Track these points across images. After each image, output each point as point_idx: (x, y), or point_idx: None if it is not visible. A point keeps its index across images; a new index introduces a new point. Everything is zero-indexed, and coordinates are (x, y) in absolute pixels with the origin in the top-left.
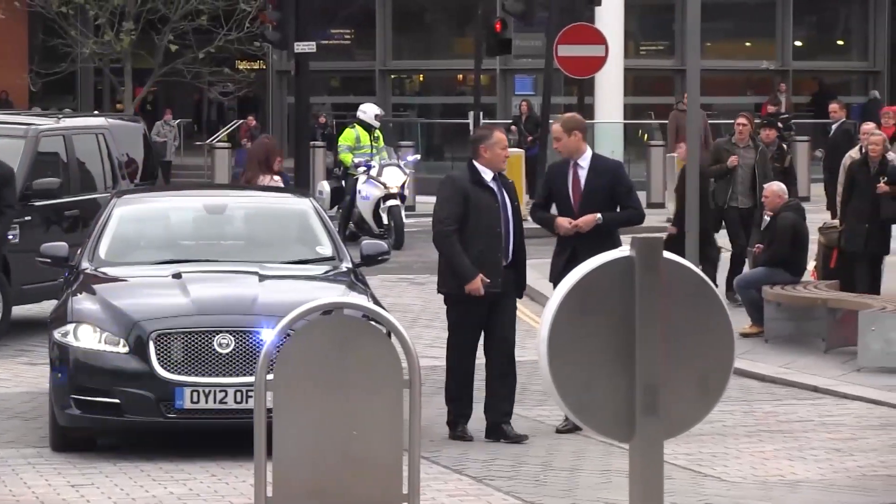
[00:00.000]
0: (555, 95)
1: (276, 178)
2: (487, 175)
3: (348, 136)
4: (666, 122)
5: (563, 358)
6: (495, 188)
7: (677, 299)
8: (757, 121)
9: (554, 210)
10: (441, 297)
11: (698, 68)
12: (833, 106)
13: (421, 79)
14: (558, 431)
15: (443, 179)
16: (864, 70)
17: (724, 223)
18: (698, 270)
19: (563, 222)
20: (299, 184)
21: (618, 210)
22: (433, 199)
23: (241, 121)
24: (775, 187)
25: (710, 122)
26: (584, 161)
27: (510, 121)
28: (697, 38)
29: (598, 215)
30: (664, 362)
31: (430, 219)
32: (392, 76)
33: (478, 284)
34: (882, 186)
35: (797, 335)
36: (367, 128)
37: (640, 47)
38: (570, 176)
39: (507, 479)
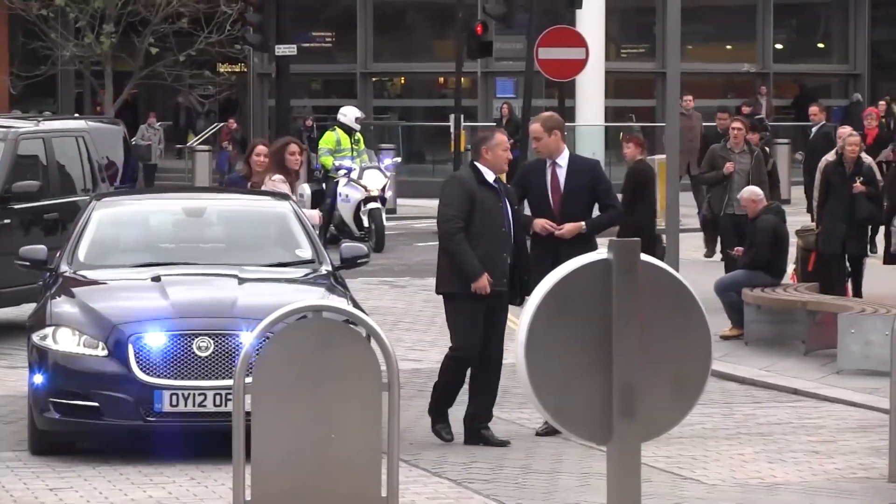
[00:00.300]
0: (536, 98)
1: (276, 177)
2: (490, 176)
3: (328, 138)
4: (647, 124)
5: (540, 361)
6: (499, 189)
7: (654, 302)
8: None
9: (527, 210)
10: (417, 299)
11: (678, 71)
12: (813, 109)
13: (402, 81)
14: (538, 434)
15: (447, 180)
16: (845, 73)
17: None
18: (676, 273)
19: (542, 222)
20: None
21: (597, 209)
22: (414, 201)
23: (222, 124)
24: (747, 194)
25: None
26: (563, 161)
27: (493, 123)
28: (677, 40)
29: (582, 224)
30: (641, 365)
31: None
32: (373, 79)
33: (484, 283)
34: (858, 186)
35: (777, 338)
36: (348, 131)
37: (621, 50)
38: (548, 176)
39: (486, 482)
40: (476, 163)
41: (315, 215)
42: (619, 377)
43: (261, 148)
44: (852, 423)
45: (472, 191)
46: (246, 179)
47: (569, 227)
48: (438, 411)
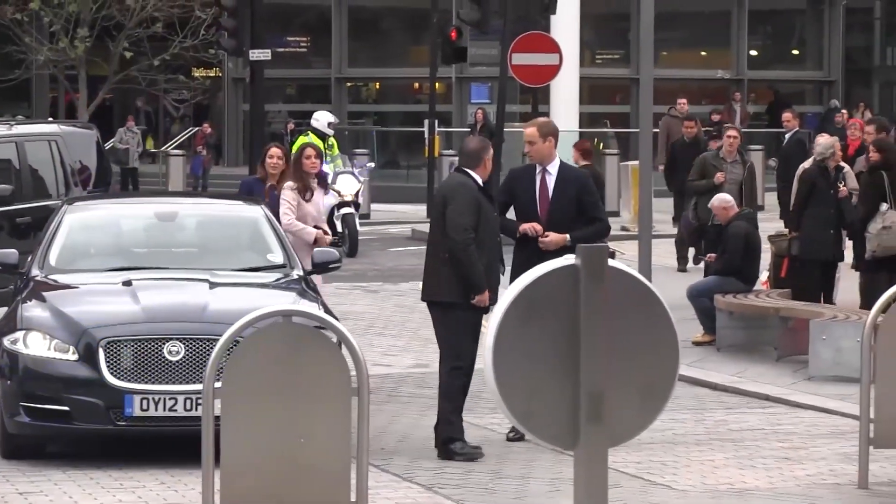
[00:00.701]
0: (510, 104)
1: (288, 183)
2: (481, 184)
3: (302, 143)
4: (622, 130)
5: (508, 366)
6: (492, 197)
7: (622, 308)
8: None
9: (510, 215)
10: (389, 304)
11: (651, 77)
12: (786, 115)
13: (377, 87)
14: (508, 440)
15: (454, 186)
16: (819, 79)
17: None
18: (643, 279)
19: (529, 224)
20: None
21: (584, 220)
22: (388, 206)
23: (197, 128)
24: (717, 201)
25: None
26: (553, 168)
27: (468, 129)
28: (650, 46)
29: (567, 237)
30: (609, 370)
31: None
32: (348, 84)
33: (486, 296)
34: (844, 190)
35: (749, 344)
36: (321, 136)
37: (596, 56)
38: (537, 182)
39: (456, 487)
40: (470, 170)
41: (313, 234)
42: (587, 382)
43: (274, 150)
44: (823, 429)
45: (478, 199)
46: (262, 182)
47: (553, 238)
48: (459, 429)
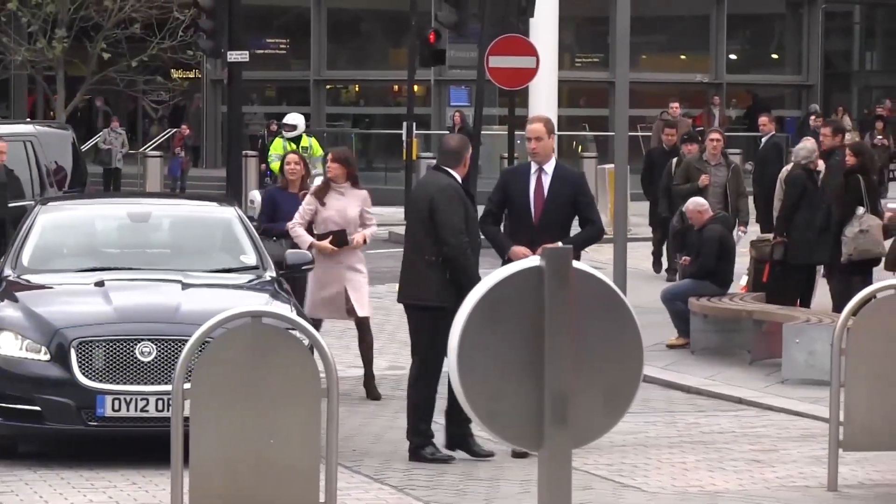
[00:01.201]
0: (489, 107)
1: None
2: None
3: (277, 145)
4: (600, 133)
5: (472, 367)
6: (472, 197)
7: (587, 310)
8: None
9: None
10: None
11: (627, 80)
12: (762, 119)
13: (356, 89)
14: (514, 456)
15: (443, 188)
16: (798, 84)
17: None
18: (608, 281)
19: (521, 252)
20: (231, 192)
21: (578, 221)
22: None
23: (175, 130)
24: (692, 205)
25: (644, 134)
26: (550, 168)
27: (446, 131)
28: (626, 50)
29: (560, 245)
30: (573, 372)
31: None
32: (327, 86)
33: None
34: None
35: (723, 347)
36: (292, 138)
37: (575, 59)
38: (532, 182)
39: (427, 488)
40: (450, 169)
41: (306, 242)
42: (551, 384)
43: (291, 157)
44: (794, 432)
45: (465, 201)
46: (284, 190)
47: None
48: (426, 431)
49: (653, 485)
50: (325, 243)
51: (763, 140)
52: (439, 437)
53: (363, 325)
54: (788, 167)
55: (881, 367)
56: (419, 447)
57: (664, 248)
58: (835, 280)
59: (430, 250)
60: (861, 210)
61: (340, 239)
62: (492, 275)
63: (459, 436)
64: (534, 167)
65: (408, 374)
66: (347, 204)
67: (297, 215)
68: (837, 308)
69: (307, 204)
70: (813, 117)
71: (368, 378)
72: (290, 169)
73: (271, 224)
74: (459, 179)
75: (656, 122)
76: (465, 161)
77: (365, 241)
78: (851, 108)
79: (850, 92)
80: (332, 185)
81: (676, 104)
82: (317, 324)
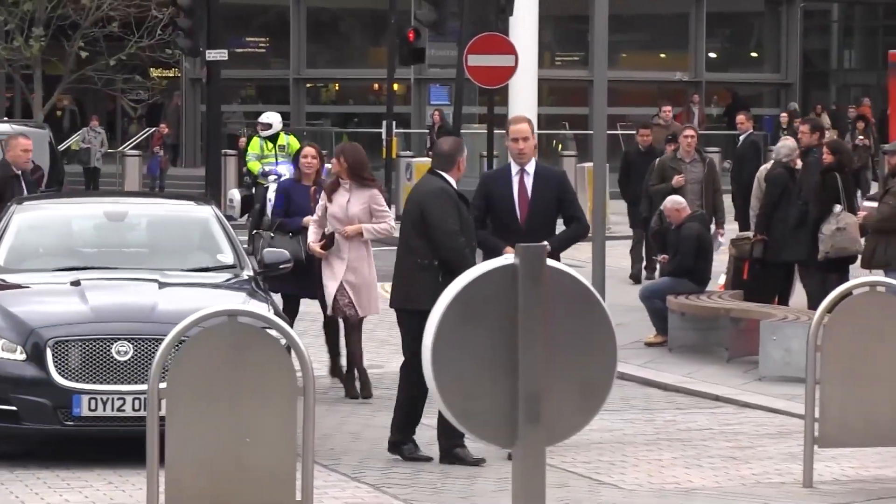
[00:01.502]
0: (469, 105)
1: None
2: (456, 187)
3: (255, 145)
4: (580, 132)
5: (447, 365)
6: (467, 201)
7: (560, 308)
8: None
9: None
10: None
11: (605, 78)
12: (740, 117)
13: (336, 88)
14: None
15: (434, 191)
16: (777, 82)
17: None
18: (582, 279)
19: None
20: (210, 192)
21: (563, 219)
22: None
23: (154, 129)
24: (670, 203)
25: (624, 132)
26: (531, 168)
27: (426, 130)
28: (605, 48)
29: (546, 245)
30: (547, 370)
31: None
32: (307, 85)
33: None
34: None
35: (701, 345)
36: (269, 136)
37: (555, 58)
38: (514, 184)
39: (404, 486)
40: (444, 172)
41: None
42: (525, 382)
43: (308, 149)
44: (771, 429)
45: (457, 204)
46: (297, 182)
47: None
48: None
49: (629, 482)
50: (316, 246)
51: (741, 138)
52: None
53: (356, 325)
54: (767, 165)
55: (857, 363)
56: (401, 443)
57: (643, 249)
58: (809, 277)
59: (423, 253)
60: (838, 208)
61: (329, 242)
62: (466, 273)
63: (451, 446)
64: (515, 168)
65: (385, 373)
66: (350, 201)
67: (316, 212)
68: (812, 305)
69: (321, 200)
70: (784, 115)
71: (349, 376)
72: (307, 162)
73: (287, 219)
74: (454, 182)
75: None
76: (459, 164)
77: (361, 235)
78: (830, 106)
79: (828, 90)
80: (340, 181)
81: (669, 108)
82: (334, 322)
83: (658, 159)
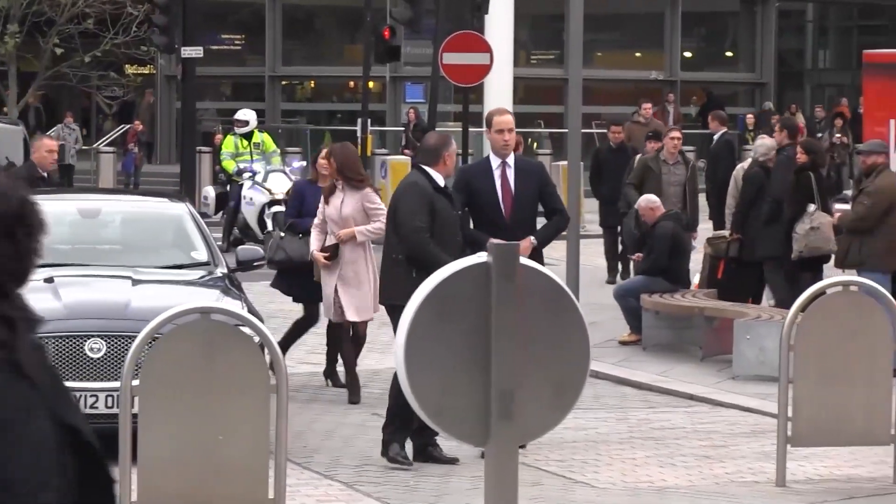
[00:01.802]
0: (445, 103)
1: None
2: (442, 182)
3: (229, 143)
4: (554, 130)
5: (419, 363)
6: (451, 195)
7: (533, 305)
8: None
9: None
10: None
11: (580, 77)
12: (711, 119)
13: (312, 85)
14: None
15: (404, 187)
16: (752, 81)
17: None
18: (555, 277)
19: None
20: (185, 189)
21: (545, 212)
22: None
23: (129, 126)
24: (644, 202)
25: (599, 130)
26: (511, 161)
27: (402, 128)
28: (580, 47)
29: (533, 240)
30: (520, 368)
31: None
32: (282, 82)
33: None
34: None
35: (675, 343)
36: (244, 134)
37: (531, 56)
38: (496, 178)
39: (377, 484)
40: (428, 168)
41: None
42: (498, 380)
43: (327, 151)
44: (744, 427)
45: (431, 198)
46: (312, 183)
47: (524, 248)
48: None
49: (603, 481)
50: (319, 255)
51: (715, 137)
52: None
53: (356, 328)
54: (744, 164)
55: (829, 363)
56: (389, 442)
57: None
58: (773, 274)
59: (398, 249)
60: (812, 207)
61: (333, 252)
62: (439, 271)
63: (423, 445)
64: (496, 162)
65: (365, 372)
66: (343, 202)
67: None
68: (777, 303)
69: (321, 204)
70: (751, 116)
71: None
72: (323, 164)
73: (298, 220)
74: (440, 178)
75: (626, 125)
76: (445, 159)
77: (355, 238)
78: (804, 106)
79: (802, 90)
80: (335, 183)
81: (649, 105)
82: (337, 328)
83: (639, 157)
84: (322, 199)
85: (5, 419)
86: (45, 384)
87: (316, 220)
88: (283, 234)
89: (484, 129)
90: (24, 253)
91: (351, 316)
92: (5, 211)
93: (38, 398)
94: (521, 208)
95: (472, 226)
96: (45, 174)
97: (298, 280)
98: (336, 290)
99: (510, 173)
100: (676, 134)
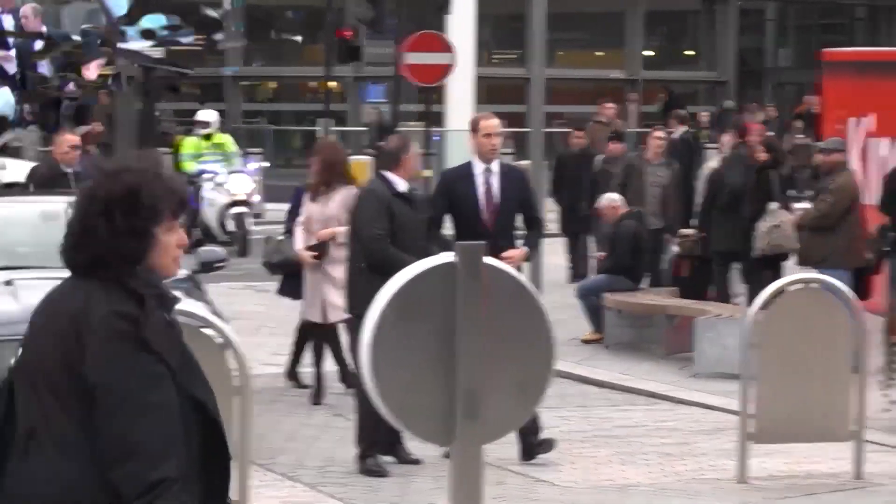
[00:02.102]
0: (407, 103)
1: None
2: (403, 186)
3: (188, 144)
4: (517, 129)
5: (385, 363)
6: (412, 199)
7: (498, 305)
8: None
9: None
10: (280, 304)
11: (542, 77)
12: (672, 116)
13: (274, 86)
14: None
15: (361, 195)
16: (712, 80)
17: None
18: (519, 276)
19: None
20: None
21: (524, 220)
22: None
23: (87, 127)
24: (605, 201)
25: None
26: (496, 166)
27: (364, 128)
28: (542, 46)
29: (526, 251)
30: (485, 367)
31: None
32: (243, 83)
33: None
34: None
35: (637, 342)
36: (204, 135)
37: (493, 56)
38: (478, 184)
39: (340, 485)
40: (387, 172)
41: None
42: (463, 379)
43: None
44: (706, 425)
45: (389, 204)
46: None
47: (518, 257)
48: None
49: (565, 479)
50: (305, 254)
51: (673, 136)
52: None
53: (325, 330)
54: (713, 163)
55: (791, 360)
56: (365, 456)
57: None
58: (719, 266)
59: (359, 258)
60: (774, 205)
61: (321, 251)
62: (404, 271)
63: (389, 443)
64: (479, 167)
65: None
66: (327, 202)
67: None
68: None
69: (307, 201)
70: (705, 115)
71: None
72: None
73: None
74: (400, 182)
75: (589, 126)
76: (404, 162)
77: (335, 238)
78: (764, 104)
79: (762, 88)
80: (321, 180)
81: (612, 105)
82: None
83: (600, 158)
84: (308, 197)
85: (129, 389)
86: (174, 359)
87: (300, 219)
88: (281, 238)
89: (469, 132)
90: (140, 232)
91: (334, 317)
92: (116, 191)
93: (164, 371)
94: (505, 216)
95: (454, 231)
96: (69, 170)
97: (302, 282)
98: (317, 293)
99: (494, 180)
100: (660, 133)
